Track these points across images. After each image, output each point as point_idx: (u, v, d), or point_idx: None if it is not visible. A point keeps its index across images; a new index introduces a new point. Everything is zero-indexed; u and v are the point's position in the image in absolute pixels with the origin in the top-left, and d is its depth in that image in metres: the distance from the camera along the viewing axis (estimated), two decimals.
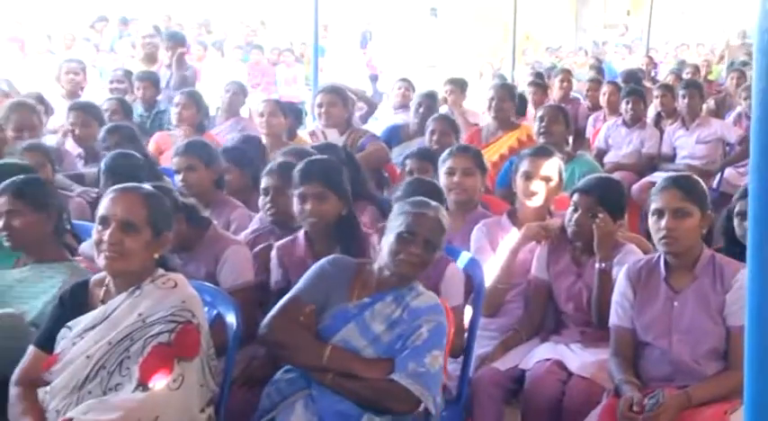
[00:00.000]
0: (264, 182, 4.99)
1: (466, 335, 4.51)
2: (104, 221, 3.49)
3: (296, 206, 4.52)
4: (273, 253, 4.72)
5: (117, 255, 3.45)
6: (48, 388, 3.49)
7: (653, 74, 16.67)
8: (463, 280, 4.52)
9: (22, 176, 4.56)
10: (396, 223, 3.87)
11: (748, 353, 1.85)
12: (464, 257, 4.69)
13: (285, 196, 4.65)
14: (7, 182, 4.41)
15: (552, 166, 5.28)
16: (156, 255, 3.61)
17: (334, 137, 7.62)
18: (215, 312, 3.95)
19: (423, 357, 3.62)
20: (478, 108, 10.62)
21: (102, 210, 3.57)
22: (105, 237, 3.45)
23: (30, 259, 4.38)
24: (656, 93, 11.20)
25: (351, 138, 7.63)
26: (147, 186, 3.91)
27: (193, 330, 3.45)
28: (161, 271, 3.60)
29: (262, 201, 5.03)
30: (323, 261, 4.05)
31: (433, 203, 4.01)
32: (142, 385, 3.32)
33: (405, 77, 11.62)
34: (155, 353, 3.35)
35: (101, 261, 3.53)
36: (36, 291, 4.26)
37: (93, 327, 3.47)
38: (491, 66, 17.41)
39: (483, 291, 4.63)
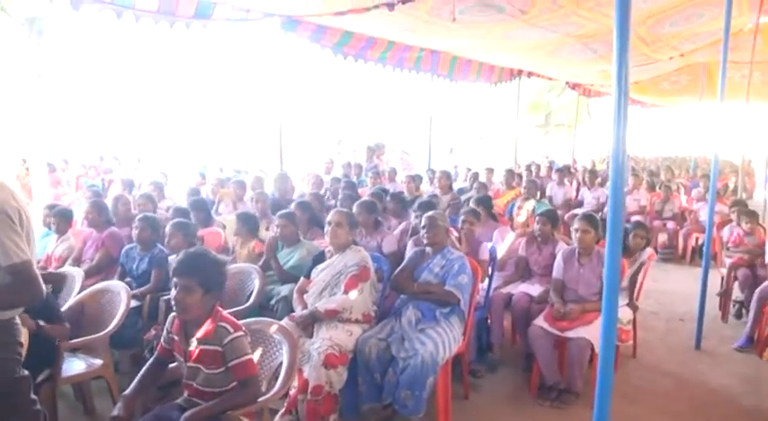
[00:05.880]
0: None
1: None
2: (329, 224, 3.96)
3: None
4: (410, 241, 4.93)
5: (335, 238, 3.94)
6: (306, 294, 4.00)
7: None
8: (488, 251, 4.77)
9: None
10: None
11: (606, 292, 2.37)
12: (488, 245, 4.87)
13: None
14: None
15: (530, 205, 5.73)
16: (351, 238, 4.04)
17: None
18: (377, 265, 4.25)
19: (457, 277, 3.85)
20: None
21: (328, 218, 4.01)
22: (330, 230, 3.94)
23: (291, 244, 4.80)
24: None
25: None
26: (347, 210, 4.29)
27: (367, 269, 3.89)
28: (354, 245, 4.03)
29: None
30: (413, 250, 4.30)
31: (430, 213, 4.17)
32: (345, 292, 3.79)
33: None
34: (350, 278, 3.81)
35: (327, 240, 4.03)
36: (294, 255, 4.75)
37: (326, 268, 3.96)
38: None
39: (496, 258, 4.92)
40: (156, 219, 4.98)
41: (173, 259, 4.22)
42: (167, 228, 4.63)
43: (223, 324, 2.59)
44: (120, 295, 3.85)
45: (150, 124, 19.08)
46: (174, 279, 2.58)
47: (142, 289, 4.55)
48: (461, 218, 4.96)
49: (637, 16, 7.52)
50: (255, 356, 2.84)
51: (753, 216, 6.25)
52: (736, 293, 6.17)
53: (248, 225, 5.23)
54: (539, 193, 8.51)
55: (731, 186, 12.64)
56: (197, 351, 2.60)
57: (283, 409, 3.53)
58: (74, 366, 3.59)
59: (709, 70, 12.45)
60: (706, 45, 9.84)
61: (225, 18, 6.31)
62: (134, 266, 4.79)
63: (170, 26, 5.95)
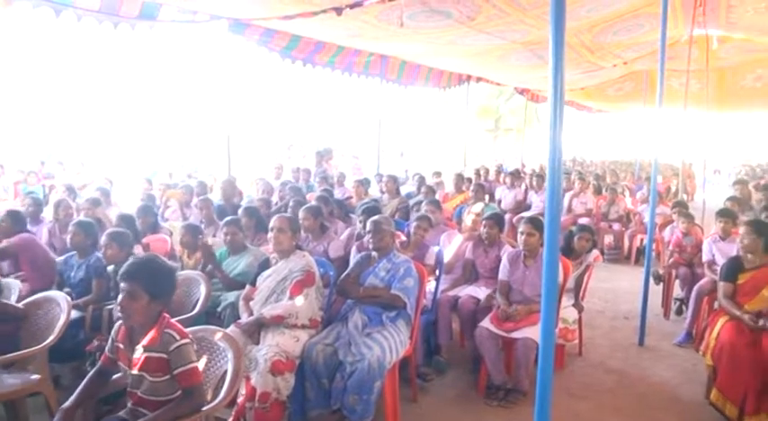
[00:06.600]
0: None
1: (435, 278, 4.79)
2: (272, 230, 3.95)
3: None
4: (354, 246, 4.91)
5: (278, 244, 3.92)
6: (252, 301, 3.97)
7: None
8: (434, 255, 4.83)
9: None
10: None
11: (544, 292, 2.45)
12: (435, 249, 4.93)
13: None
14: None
15: (477, 208, 5.81)
16: (294, 243, 4.00)
17: None
18: (323, 270, 4.29)
19: (403, 281, 3.88)
20: None
21: (271, 224, 3.99)
22: (273, 236, 3.93)
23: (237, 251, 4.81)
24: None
25: None
26: (289, 215, 4.29)
27: (312, 274, 3.86)
28: (298, 250, 4.00)
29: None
30: (358, 255, 4.27)
31: (375, 217, 4.20)
32: (291, 298, 3.76)
33: None
34: (295, 284, 3.79)
35: (271, 247, 4.04)
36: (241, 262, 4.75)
37: (271, 275, 3.94)
38: None
39: (443, 262, 4.93)
40: (92, 224, 4.84)
41: (111, 269, 4.23)
42: (102, 239, 4.47)
43: (169, 331, 2.58)
44: (61, 306, 3.70)
45: (95, 128, 18.57)
46: (121, 284, 2.56)
47: (84, 299, 4.42)
48: (414, 223, 4.99)
49: (581, 25, 7.75)
50: (201, 364, 2.80)
51: (688, 217, 6.50)
52: (678, 291, 6.41)
53: (195, 237, 5.14)
54: (487, 197, 8.64)
55: (673, 189, 13.11)
56: (142, 358, 2.58)
57: (231, 418, 3.49)
58: (7, 382, 3.40)
59: (652, 78, 12.88)
60: (647, 54, 10.22)
61: (171, 20, 6.22)
62: (72, 274, 4.64)
63: (114, 27, 5.82)
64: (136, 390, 2.61)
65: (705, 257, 5.72)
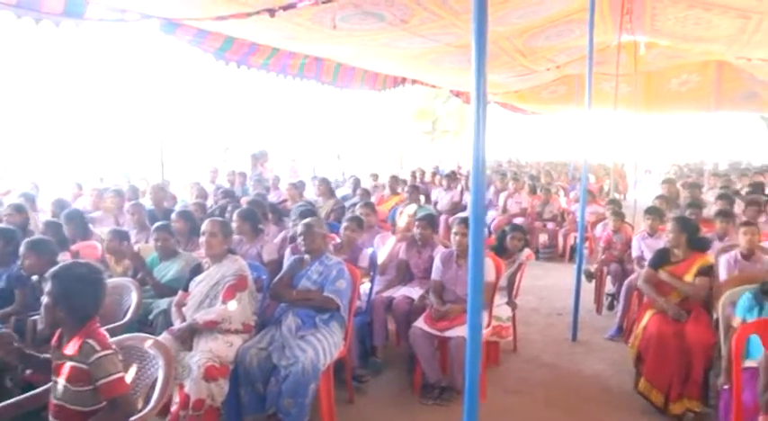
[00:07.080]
0: None
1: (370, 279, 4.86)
2: (203, 234, 3.92)
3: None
4: (288, 249, 4.92)
5: (209, 248, 3.89)
6: (185, 307, 3.93)
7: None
8: (368, 257, 4.90)
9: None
10: None
11: (470, 291, 2.49)
12: (369, 251, 5.02)
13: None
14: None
15: (411, 210, 5.88)
16: (226, 247, 3.98)
17: None
18: (256, 274, 4.30)
19: (335, 283, 3.92)
20: None
21: (202, 228, 3.98)
22: (204, 240, 3.92)
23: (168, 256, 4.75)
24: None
25: None
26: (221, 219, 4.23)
27: (245, 278, 3.84)
28: (230, 254, 3.98)
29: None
30: (291, 258, 4.29)
31: (306, 220, 4.23)
32: (224, 303, 3.73)
33: None
34: (228, 288, 3.76)
35: (203, 251, 4.00)
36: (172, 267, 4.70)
37: (203, 280, 3.89)
38: None
39: (377, 263, 5.00)
40: (13, 230, 4.63)
41: (35, 279, 4.06)
42: (21, 249, 4.24)
43: (90, 341, 2.48)
44: None
45: (19, 131, 17.76)
46: None
47: (4, 310, 4.19)
48: (344, 224, 5.02)
49: (513, 29, 7.96)
50: (131, 373, 2.76)
51: (618, 215, 6.78)
52: (609, 287, 6.67)
53: (121, 242, 5.01)
54: (423, 198, 8.73)
55: (606, 188, 13.59)
56: (66, 367, 2.51)
57: None
58: None
59: (583, 81, 13.17)
60: (578, 58, 10.55)
61: (99, 18, 6.02)
62: None
63: (36, 23, 5.58)
64: (58, 400, 2.53)
65: (634, 253, 5.97)
